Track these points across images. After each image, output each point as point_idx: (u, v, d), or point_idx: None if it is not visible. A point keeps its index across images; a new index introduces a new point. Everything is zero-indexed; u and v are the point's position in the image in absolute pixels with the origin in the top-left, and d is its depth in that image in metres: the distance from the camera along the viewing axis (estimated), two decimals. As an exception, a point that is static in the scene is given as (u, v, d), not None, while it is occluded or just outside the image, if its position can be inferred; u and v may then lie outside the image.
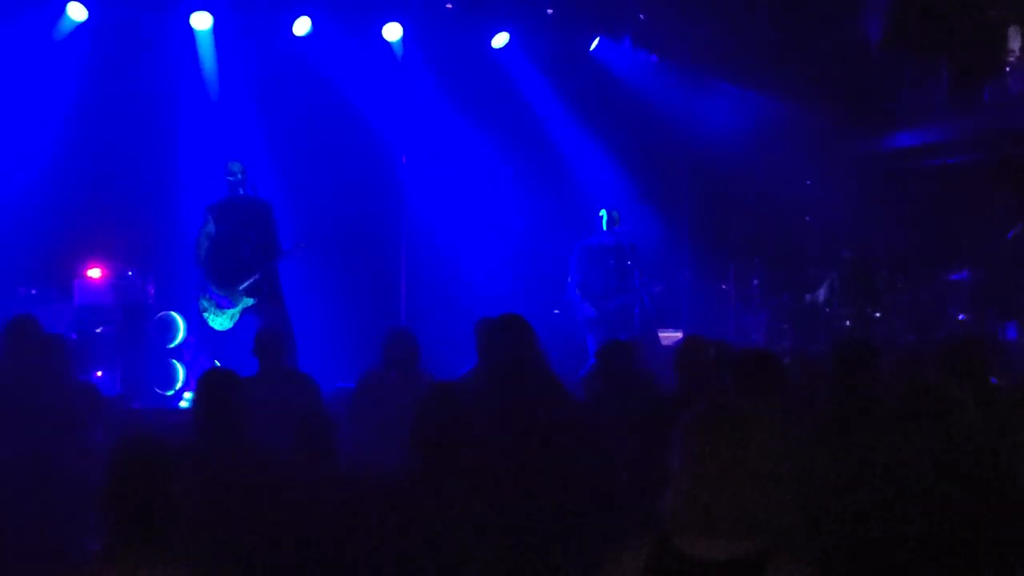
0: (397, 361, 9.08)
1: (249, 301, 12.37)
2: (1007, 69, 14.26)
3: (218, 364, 12.14)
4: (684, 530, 3.63)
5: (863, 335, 12.23)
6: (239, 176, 12.40)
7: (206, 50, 14.75)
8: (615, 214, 13.92)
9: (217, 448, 6.28)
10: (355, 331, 13.93)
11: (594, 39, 16.09)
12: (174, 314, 13.21)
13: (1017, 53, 14.20)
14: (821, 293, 14.31)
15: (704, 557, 3.58)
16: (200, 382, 6.70)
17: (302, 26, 14.78)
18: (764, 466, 3.61)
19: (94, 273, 13.41)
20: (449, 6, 15.21)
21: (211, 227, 12.39)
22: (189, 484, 4.08)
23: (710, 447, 3.62)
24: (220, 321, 12.43)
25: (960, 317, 13.49)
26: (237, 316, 12.40)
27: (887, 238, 15.12)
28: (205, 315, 12.46)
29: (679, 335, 13.26)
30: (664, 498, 3.68)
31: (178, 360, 13.14)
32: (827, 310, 14.20)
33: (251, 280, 12.30)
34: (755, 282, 15.32)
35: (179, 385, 13.01)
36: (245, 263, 12.36)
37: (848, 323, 13.85)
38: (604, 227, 13.96)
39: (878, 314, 14.02)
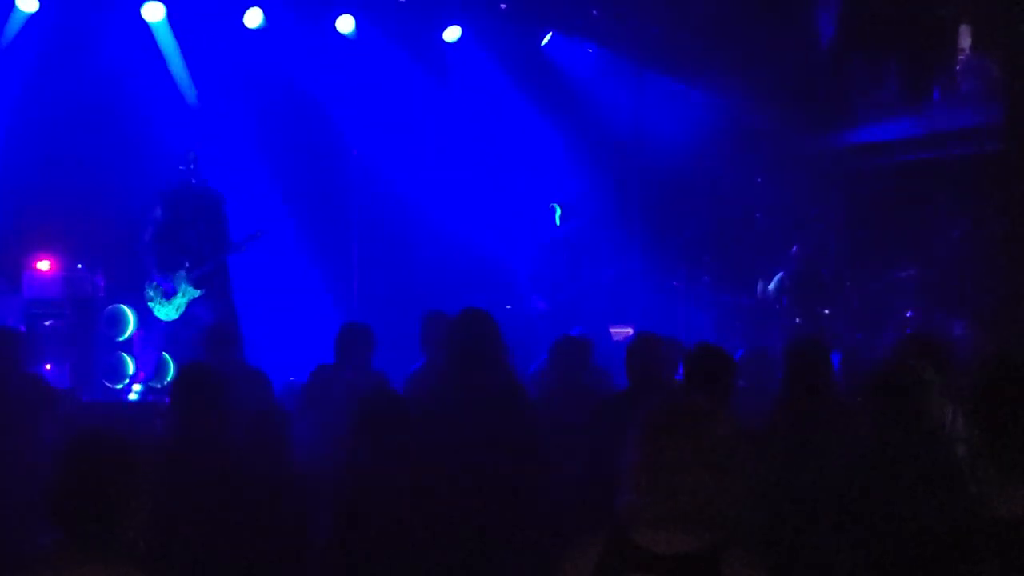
0: (351, 357, 9.05)
1: (196, 293, 12.36)
2: (957, 68, 14.36)
3: (167, 357, 12.15)
4: (640, 524, 3.66)
5: (814, 333, 12.29)
6: (191, 165, 12.38)
7: (158, 41, 14.66)
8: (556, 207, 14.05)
9: (195, 444, 6.24)
10: (305, 325, 13.94)
11: (546, 34, 16.09)
12: (124, 307, 13.13)
13: (967, 52, 14.29)
14: (771, 288, 14.38)
15: (659, 551, 3.62)
16: (182, 377, 6.68)
17: (254, 18, 14.73)
18: (719, 461, 3.65)
19: (43, 266, 13.32)
20: (401, -1, 15.22)
21: (158, 213, 12.37)
22: (155, 479, 4.05)
23: (666, 443, 3.66)
24: (166, 311, 12.42)
25: (908, 314, 13.57)
26: (183, 307, 12.39)
27: (836, 235, 15.20)
28: (150, 304, 12.45)
29: (629, 331, 13.30)
30: (620, 493, 3.71)
31: (128, 353, 13.08)
32: (776, 306, 14.27)
33: (200, 271, 12.30)
34: (705, 279, 15.37)
35: (128, 379, 12.94)
36: (192, 253, 12.35)
37: (798, 320, 13.91)
38: (557, 221, 14.03)
39: (827, 311, 14.09)
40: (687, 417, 3.72)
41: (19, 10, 13.87)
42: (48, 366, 12.28)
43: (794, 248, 14.43)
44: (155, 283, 12.42)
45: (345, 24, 15.18)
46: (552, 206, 14.13)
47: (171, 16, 14.49)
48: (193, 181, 12.40)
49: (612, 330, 13.84)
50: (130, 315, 13.10)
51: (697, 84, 15.54)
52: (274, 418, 6.77)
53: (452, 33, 15.67)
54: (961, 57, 14.43)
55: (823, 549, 6.00)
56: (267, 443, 6.64)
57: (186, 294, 12.36)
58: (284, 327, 14.24)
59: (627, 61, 15.94)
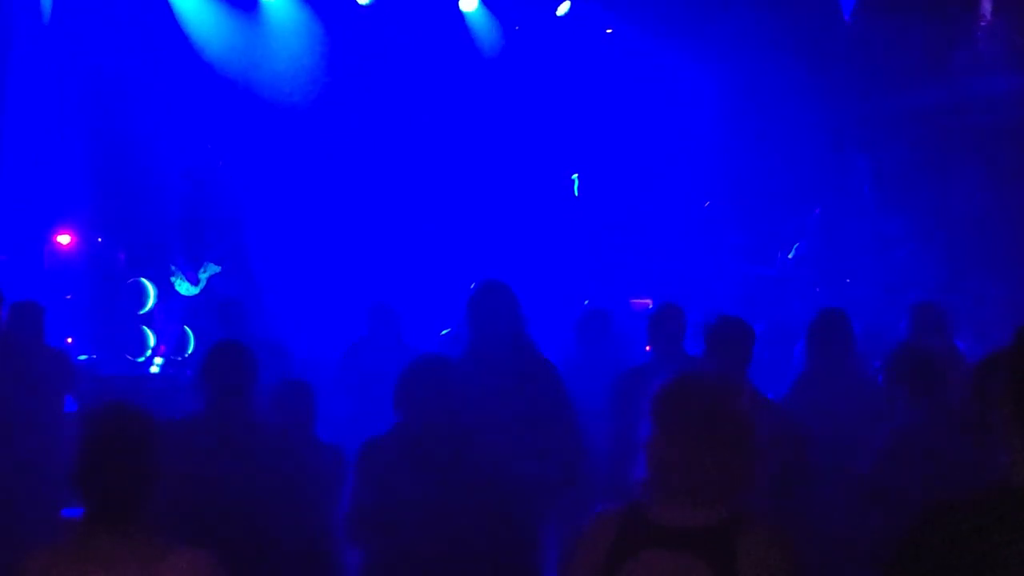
0: (382, 333, 9.19)
1: (216, 268, 12.44)
2: (978, 35, 14.27)
3: (188, 330, 12.20)
4: (657, 499, 3.64)
5: (836, 302, 12.27)
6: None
7: (184, 20, 14.61)
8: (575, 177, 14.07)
9: (227, 422, 6.22)
10: (330, 304, 13.94)
11: (563, 2, 15.93)
12: (144, 280, 13.17)
13: (988, 19, 14.20)
14: (790, 255, 14.35)
15: (676, 525, 3.60)
16: (214, 354, 6.66)
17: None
18: (736, 435, 3.64)
19: (63, 239, 13.35)
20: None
21: (188, 190, 12.53)
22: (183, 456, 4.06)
23: (682, 417, 3.64)
24: (187, 287, 12.49)
25: (928, 281, 13.50)
26: (204, 283, 12.45)
27: (859, 202, 15.13)
28: (172, 279, 12.53)
29: (649, 302, 13.30)
30: (637, 467, 3.70)
31: (148, 327, 13.11)
32: (795, 275, 14.22)
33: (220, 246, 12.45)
34: (726, 247, 15.31)
35: (149, 351, 12.98)
36: (210, 229, 12.47)
37: (818, 289, 13.86)
38: (576, 191, 14.01)
39: (848, 280, 14.04)
40: (703, 391, 3.70)
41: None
42: (69, 339, 12.33)
43: (816, 212, 14.37)
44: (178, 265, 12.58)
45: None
46: (573, 176, 14.11)
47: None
48: (219, 161, 12.55)
49: (632, 301, 13.82)
50: (150, 288, 13.13)
51: (714, 54, 15.45)
52: (300, 389, 6.78)
53: (469, 3, 15.56)
54: (982, 23, 14.35)
55: (845, 520, 6.01)
56: (295, 413, 6.65)
57: (207, 270, 12.44)
58: (315, 305, 14.23)
59: (643, 30, 15.83)
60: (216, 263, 12.45)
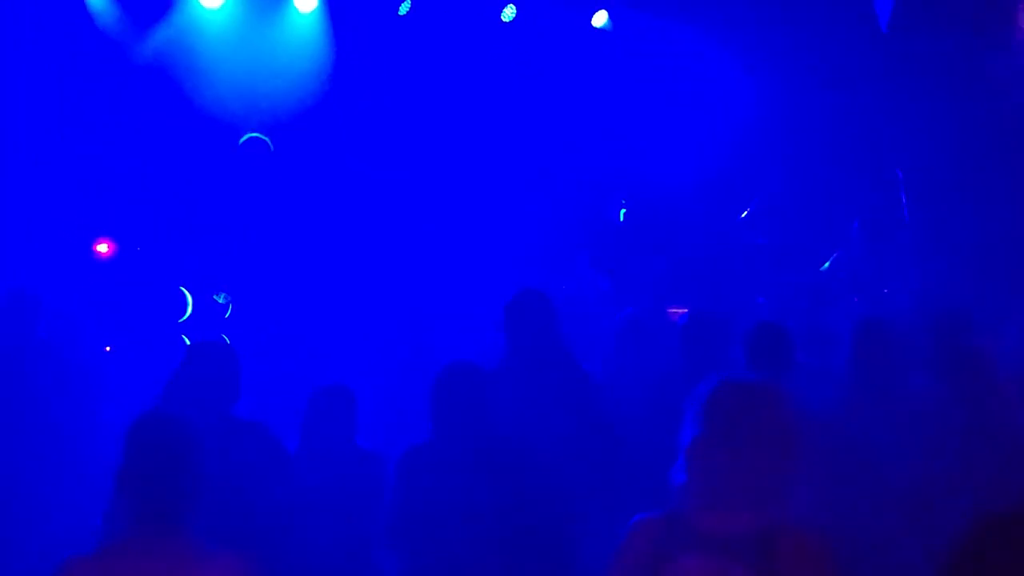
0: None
1: (227, 296, 12.63)
2: (1016, 46, 14.19)
3: (226, 340, 12.28)
4: (697, 504, 3.64)
5: (874, 312, 12.20)
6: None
7: (215, 24, 14.65)
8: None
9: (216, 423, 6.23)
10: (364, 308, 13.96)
11: (599, 10, 15.87)
12: (182, 289, 13.25)
13: (1025, 27, 14.14)
14: (826, 265, 14.31)
15: (717, 531, 3.60)
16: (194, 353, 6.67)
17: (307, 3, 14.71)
18: (782, 440, 3.63)
19: (102, 248, 13.42)
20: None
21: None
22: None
23: (724, 422, 3.63)
24: (223, 295, 12.65)
25: (966, 289, 13.41)
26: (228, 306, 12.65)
27: (897, 213, 15.05)
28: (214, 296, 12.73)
29: (685, 310, 13.26)
30: (677, 473, 3.70)
31: (186, 335, 13.18)
32: (833, 283, 14.16)
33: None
34: (761, 251, 15.26)
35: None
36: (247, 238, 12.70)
37: (856, 299, 13.80)
38: (621, 218, 14.01)
39: (886, 290, 13.97)
40: (750, 395, 3.69)
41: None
42: (107, 348, 12.40)
43: (855, 223, 14.33)
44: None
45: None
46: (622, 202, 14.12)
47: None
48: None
49: (670, 310, 13.79)
50: (189, 297, 13.21)
51: (751, 62, 15.42)
52: (340, 395, 6.78)
53: (507, 12, 15.49)
54: (1018, 34, 14.27)
55: (891, 528, 5.99)
56: (334, 420, 6.65)
57: (221, 297, 12.65)
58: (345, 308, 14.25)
59: (682, 35, 15.80)
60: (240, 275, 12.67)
